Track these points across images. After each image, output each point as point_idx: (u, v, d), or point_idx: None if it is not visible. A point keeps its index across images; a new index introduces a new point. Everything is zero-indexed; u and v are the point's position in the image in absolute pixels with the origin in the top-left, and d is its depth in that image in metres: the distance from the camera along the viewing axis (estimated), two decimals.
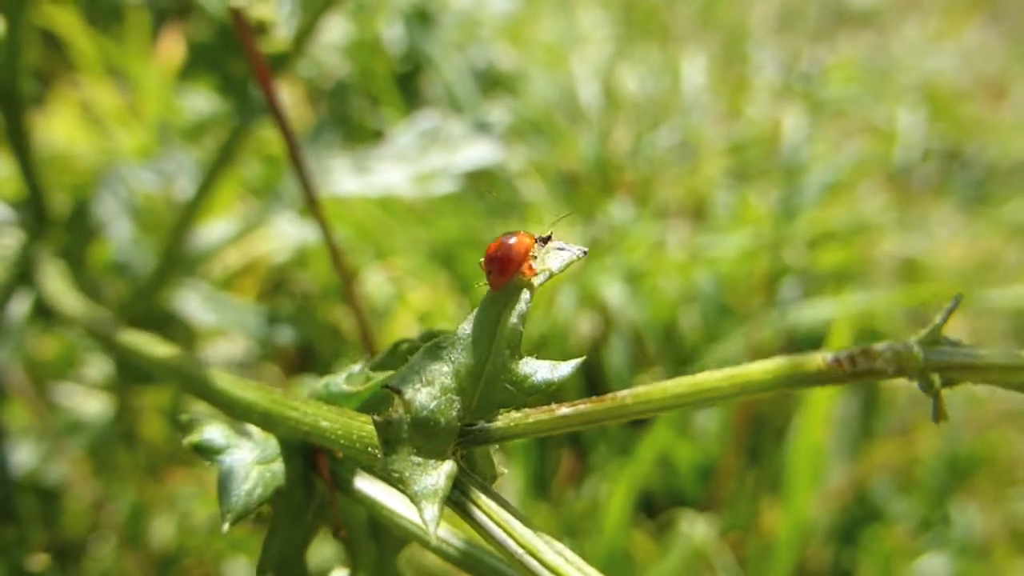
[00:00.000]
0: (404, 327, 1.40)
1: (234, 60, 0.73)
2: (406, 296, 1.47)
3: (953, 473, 1.45)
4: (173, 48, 1.53)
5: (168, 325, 0.89)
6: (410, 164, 0.89)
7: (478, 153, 0.90)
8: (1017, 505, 1.46)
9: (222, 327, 0.92)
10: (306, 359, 1.43)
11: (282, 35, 0.71)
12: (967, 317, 1.87)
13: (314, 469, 0.38)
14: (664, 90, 2.26)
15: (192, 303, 0.88)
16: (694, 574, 1.23)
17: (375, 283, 1.48)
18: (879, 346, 0.29)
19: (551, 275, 0.33)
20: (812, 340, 1.60)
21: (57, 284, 0.62)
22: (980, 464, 1.49)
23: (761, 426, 1.43)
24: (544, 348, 1.52)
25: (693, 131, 2.12)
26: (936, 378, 0.29)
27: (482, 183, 1.78)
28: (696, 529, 1.23)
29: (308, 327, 1.45)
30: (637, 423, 1.46)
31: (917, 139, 2.34)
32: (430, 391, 0.32)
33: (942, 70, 2.77)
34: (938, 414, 0.30)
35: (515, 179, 1.80)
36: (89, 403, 0.98)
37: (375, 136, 1.69)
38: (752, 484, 1.37)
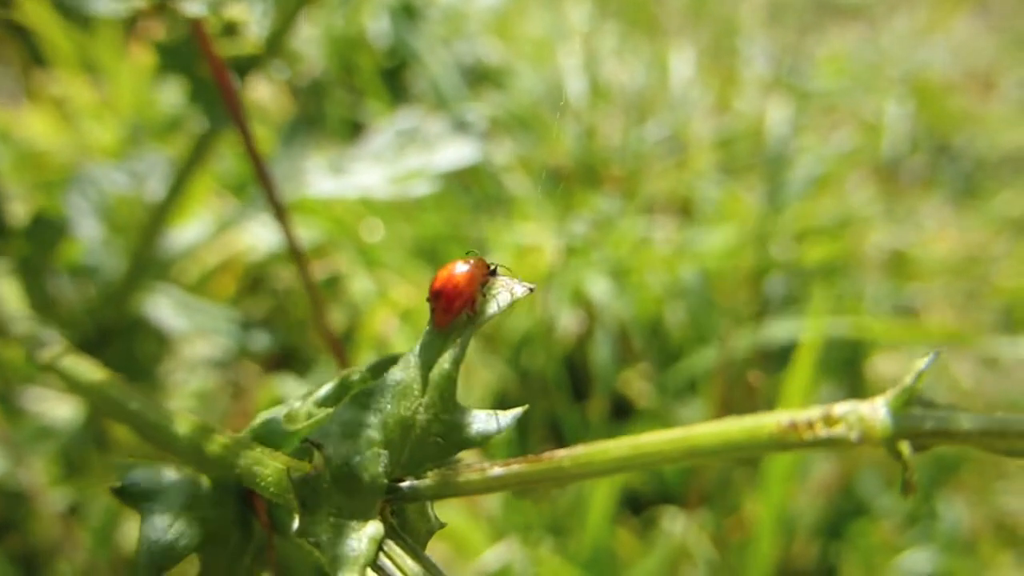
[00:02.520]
0: (385, 325, 1.38)
1: (203, 63, 0.70)
2: (388, 293, 1.45)
3: (939, 467, 1.44)
4: (148, 42, 1.50)
5: (139, 330, 0.87)
6: (387, 165, 0.87)
7: (457, 153, 0.88)
8: (1003, 499, 1.45)
9: (195, 333, 0.90)
10: (286, 356, 1.42)
11: (254, 36, 0.69)
12: (956, 311, 1.86)
13: (252, 510, 0.36)
14: (652, 84, 2.24)
15: (163, 308, 0.87)
16: (678, 571, 1.22)
17: (356, 280, 1.46)
18: (841, 408, 0.25)
19: (492, 317, 0.31)
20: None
21: (7, 303, 0.60)
22: (967, 458, 1.49)
23: None
24: (528, 345, 1.51)
25: (681, 125, 2.10)
26: (905, 446, 0.25)
27: (468, 177, 1.77)
28: (679, 526, 1.22)
29: (287, 324, 1.43)
30: (621, 416, 1.45)
31: (905, 132, 2.33)
32: (353, 445, 0.30)
33: (931, 63, 2.76)
34: (907, 487, 0.26)
35: (501, 173, 1.79)
36: (59, 407, 0.96)
37: (360, 131, 1.67)
38: (736, 479, 1.37)
